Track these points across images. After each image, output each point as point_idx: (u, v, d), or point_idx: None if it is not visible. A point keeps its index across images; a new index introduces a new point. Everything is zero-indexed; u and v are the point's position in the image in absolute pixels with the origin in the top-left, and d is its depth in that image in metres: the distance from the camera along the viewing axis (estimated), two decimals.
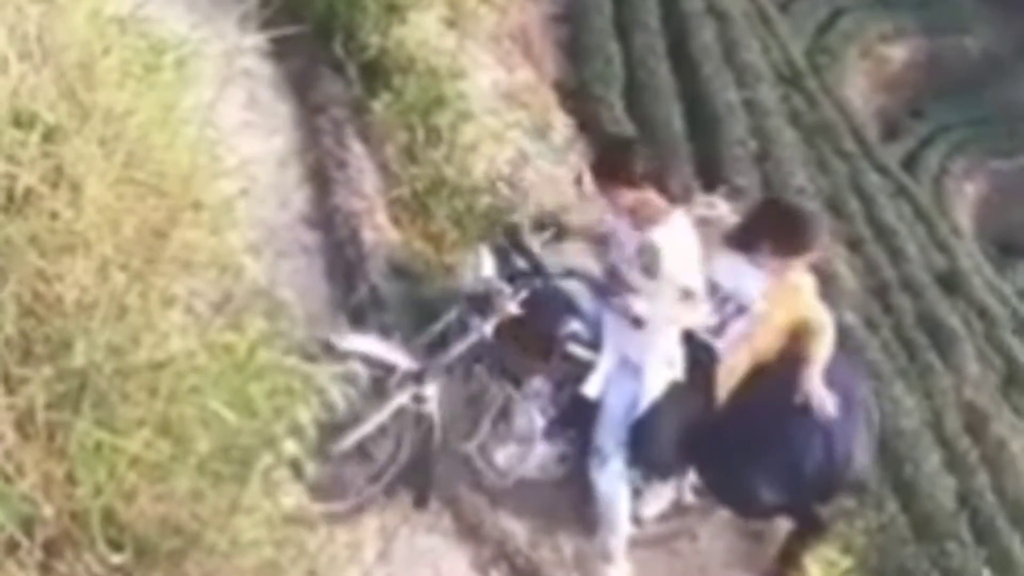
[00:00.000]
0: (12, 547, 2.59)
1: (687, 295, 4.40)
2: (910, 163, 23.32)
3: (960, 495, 13.18)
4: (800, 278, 4.80)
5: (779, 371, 4.75)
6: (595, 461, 4.60)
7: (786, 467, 4.76)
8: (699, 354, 4.63)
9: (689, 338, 4.64)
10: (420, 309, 5.23)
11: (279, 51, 6.22)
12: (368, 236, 5.46)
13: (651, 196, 4.44)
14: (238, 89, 5.61)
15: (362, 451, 4.37)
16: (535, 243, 4.63)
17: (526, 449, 4.63)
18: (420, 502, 4.57)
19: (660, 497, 4.90)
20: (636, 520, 4.83)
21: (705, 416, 4.67)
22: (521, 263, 4.56)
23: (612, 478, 4.60)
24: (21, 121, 2.93)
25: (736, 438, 4.68)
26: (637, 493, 4.78)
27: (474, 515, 4.77)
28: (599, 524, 4.70)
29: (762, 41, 19.77)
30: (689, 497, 4.96)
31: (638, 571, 4.87)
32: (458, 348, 4.42)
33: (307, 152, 5.91)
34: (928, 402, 14.26)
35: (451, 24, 7.73)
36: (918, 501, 12.22)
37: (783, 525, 5.33)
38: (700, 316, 4.51)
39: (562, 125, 9.59)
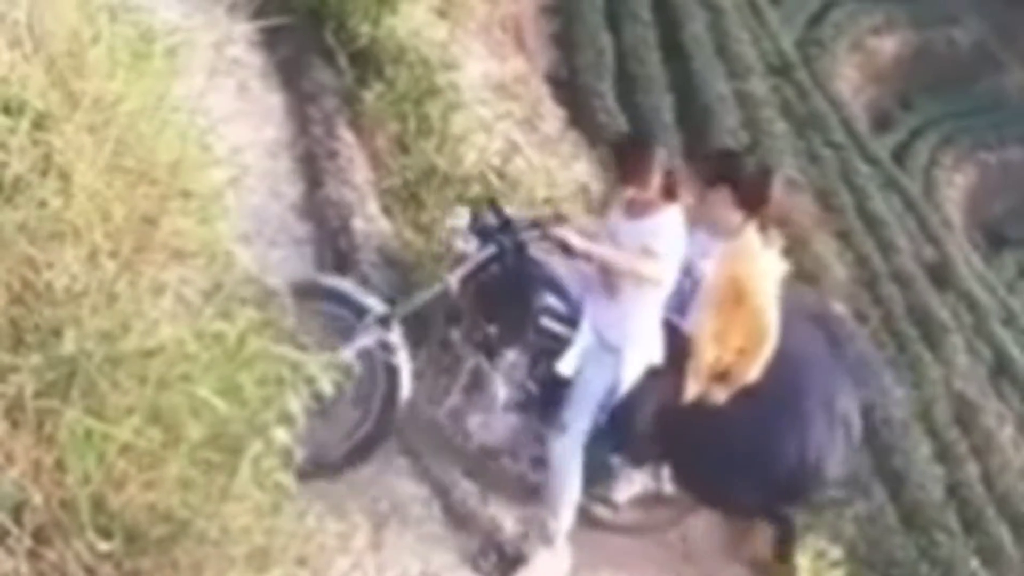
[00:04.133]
0: (1, 535, 2.59)
1: (645, 251, 4.39)
2: (900, 155, 23.34)
3: (949, 485, 13.25)
4: (756, 244, 4.70)
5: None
6: (554, 432, 4.55)
7: (758, 467, 4.77)
8: (671, 337, 4.64)
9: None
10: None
11: (269, 40, 6.21)
12: (359, 226, 5.46)
13: (655, 198, 4.47)
14: (228, 78, 5.60)
15: (336, 409, 4.31)
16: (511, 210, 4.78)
17: (492, 419, 4.66)
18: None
19: (633, 483, 4.90)
20: (609, 504, 4.86)
21: (678, 401, 4.67)
22: (491, 219, 4.68)
23: (566, 452, 4.52)
24: (10, 109, 2.92)
25: (710, 436, 4.69)
26: (609, 476, 4.79)
27: (464, 505, 4.78)
28: (544, 502, 4.64)
29: (753, 33, 19.79)
30: (669, 488, 4.96)
31: (623, 559, 4.89)
32: (423, 296, 4.55)
33: (298, 142, 5.91)
34: (917, 393, 14.31)
35: (442, 14, 7.72)
36: (907, 491, 12.26)
37: None
38: (659, 271, 4.45)
39: (553, 116, 9.59)
